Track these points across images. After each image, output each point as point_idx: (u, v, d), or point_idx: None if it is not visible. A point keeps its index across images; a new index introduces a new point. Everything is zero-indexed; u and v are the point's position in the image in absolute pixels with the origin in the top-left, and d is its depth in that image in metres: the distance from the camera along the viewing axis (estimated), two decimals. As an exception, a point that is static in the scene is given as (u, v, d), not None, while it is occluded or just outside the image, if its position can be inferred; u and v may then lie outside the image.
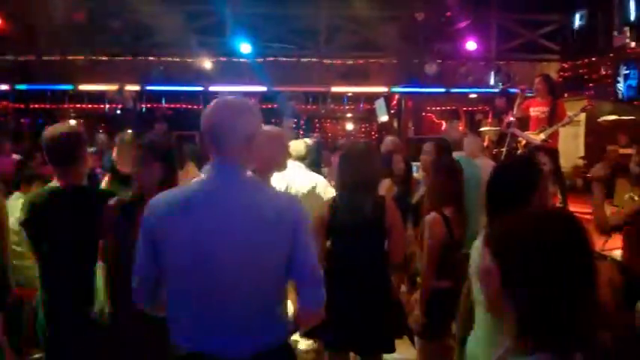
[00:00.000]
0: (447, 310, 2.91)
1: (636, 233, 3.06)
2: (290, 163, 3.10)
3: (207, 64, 9.89)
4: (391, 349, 2.79)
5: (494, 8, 10.25)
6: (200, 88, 10.33)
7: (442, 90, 10.53)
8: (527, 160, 3.03)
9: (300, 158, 3.52)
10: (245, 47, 9.69)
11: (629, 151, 6.09)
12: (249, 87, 10.15)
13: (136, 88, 10.21)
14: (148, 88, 10.39)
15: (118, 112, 10.69)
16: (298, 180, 3.32)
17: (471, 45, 9.96)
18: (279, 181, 2.98)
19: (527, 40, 10.46)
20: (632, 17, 8.43)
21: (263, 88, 10.09)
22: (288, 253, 1.61)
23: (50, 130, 2.40)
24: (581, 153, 8.01)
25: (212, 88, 10.20)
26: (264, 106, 10.86)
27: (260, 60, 9.93)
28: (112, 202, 2.28)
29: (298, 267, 1.63)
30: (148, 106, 11.11)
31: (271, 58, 10.13)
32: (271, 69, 9.94)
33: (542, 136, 5.82)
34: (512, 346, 1.08)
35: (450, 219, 2.88)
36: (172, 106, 11.38)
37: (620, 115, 6.47)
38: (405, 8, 9.92)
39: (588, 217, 5.08)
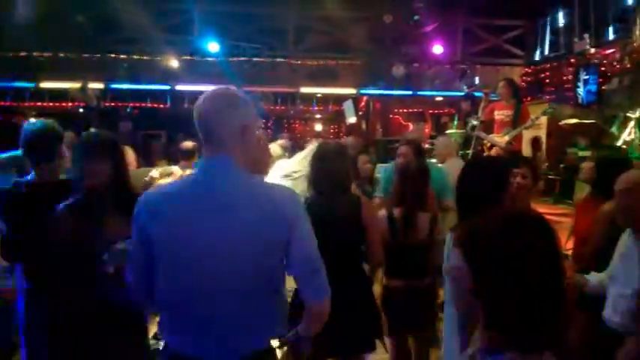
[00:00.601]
0: (404, 307, 2.97)
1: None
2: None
3: (174, 62, 9.74)
4: (372, 348, 2.80)
5: (461, 13, 10.44)
6: (167, 87, 10.17)
7: (409, 92, 10.66)
8: (495, 159, 3.12)
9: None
10: (213, 46, 9.59)
11: (588, 153, 6.30)
12: (217, 86, 10.05)
13: (100, 86, 9.95)
14: (113, 86, 10.15)
15: (81, 110, 10.41)
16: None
17: (437, 49, 10.12)
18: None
19: (492, 45, 10.70)
20: (592, 25, 8.74)
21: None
22: (285, 246, 1.56)
23: (30, 126, 2.46)
24: (543, 155, 8.24)
25: (179, 87, 10.06)
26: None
27: (228, 59, 9.84)
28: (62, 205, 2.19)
29: (298, 260, 1.59)
30: (113, 104, 10.85)
31: (239, 58, 10.05)
32: (239, 69, 9.86)
33: (506, 138, 5.96)
34: (481, 344, 1.09)
35: (396, 219, 2.96)
36: (138, 104, 11.16)
37: (580, 119, 6.69)
38: (374, 10, 10.00)
39: (553, 218, 5.25)
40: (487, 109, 6.27)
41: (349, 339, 2.66)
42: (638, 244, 2.31)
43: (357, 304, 2.69)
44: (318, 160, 2.82)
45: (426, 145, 6.17)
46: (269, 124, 11.54)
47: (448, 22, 10.39)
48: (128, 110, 11.10)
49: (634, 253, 2.32)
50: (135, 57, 9.92)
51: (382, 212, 3.06)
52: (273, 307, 1.62)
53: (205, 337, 1.53)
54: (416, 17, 9.85)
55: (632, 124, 5.66)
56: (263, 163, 2.61)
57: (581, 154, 6.77)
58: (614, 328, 2.32)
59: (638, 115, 5.60)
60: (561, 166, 7.41)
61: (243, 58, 10.06)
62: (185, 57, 9.83)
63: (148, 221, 1.54)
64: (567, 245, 4.18)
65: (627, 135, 5.71)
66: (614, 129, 6.20)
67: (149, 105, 10.91)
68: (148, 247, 1.55)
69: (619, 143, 5.80)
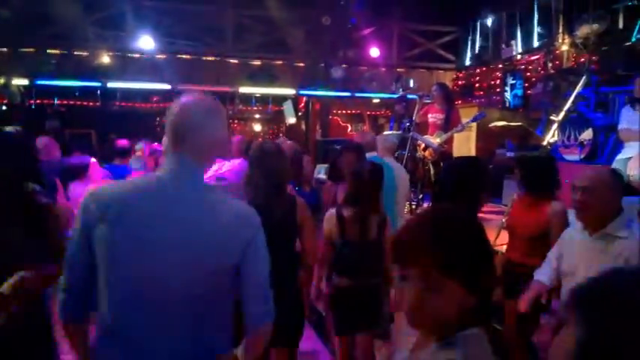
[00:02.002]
0: (353, 307, 3.02)
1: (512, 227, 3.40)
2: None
3: (105, 58, 9.33)
4: (296, 345, 2.87)
5: (396, 18, 10.70)
6: (97, 84, 9.74)
7: (348, 94, 10.81)
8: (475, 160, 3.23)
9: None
10: (147, 42, 9.29)
11: (515, 154, 6.63)
12: (151, 84, 9.75)
13: (25, 82, 9.39)
14: (39, 82, 9.59)
15: (4, 108, 9.79)
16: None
17: (374, 52, 10.32)
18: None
19: (425, 50, 11.02)
20: (519, 32, 9.22)
21: (166, 86, 9.74)
22: (237, 263, 1.53)
23: None
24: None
25: (110, 85, 9.67)
26: (167, 105, 10.50)
27: (163, 57, 9.57)
28: None
29: (248, 283, 1.55)
30: (38, 102, 10.28)
31: (175, 55, 9.81)
32: (175, 66, 9.61)
33: (438, 140, 6.21)
34: (433, 332, 1.12)
35: (345, 219, 2.99)
36: (66, 102, 10.64)
37: (507, 122, 7.05)
38: (313, 12, 10.06)
39: (484, 216, 5.49)
40: (422, 111, 6.50)
41: (279, 335, 2.70)
42: (598, 241, 2.41)
43: (288, 304, 2.72)
44: (255, 161, 2.81)
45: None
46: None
47: (384, 27, 10.63)
48: (55, 107, 10.55)
49: (594, 249, 2.41)
50: (62, 52, 9.42)
51: (331, 211, 3.07)
52: (220, 323, 1.57)
53: (146, 353, 1.46)
54: (353, 20, 10.01)
55: (554, 126, 6.02)
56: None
57: (508, 154, 7.14)
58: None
59: (561, 118, 5.95)
60: (490, 166, 7.77)
61: (178, 56, 9.81)
62: (117, 53, 9.46)
63: (97, 220, 1.44)
64: (496, 242, 4.42)
65: (551, 137, 6.07)
66: (538, 131, 6.57)
67: (78, 103, 10.43)
68: (91, 248, 1.45)
69: (543, 144, 6.15)
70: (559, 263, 2.64)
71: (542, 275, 2.71)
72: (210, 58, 10.09)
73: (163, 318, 1.46)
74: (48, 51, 9.29)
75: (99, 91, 10.09)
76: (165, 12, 9.49)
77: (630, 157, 4.51)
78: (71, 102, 10.48)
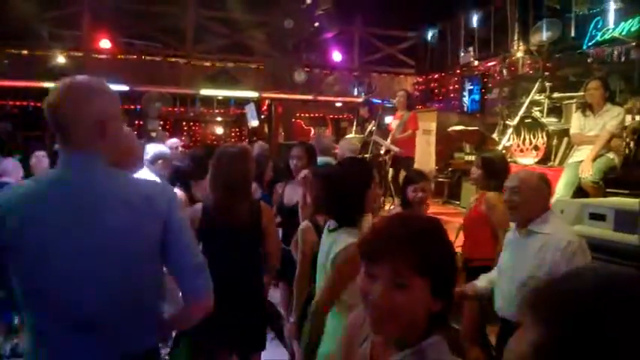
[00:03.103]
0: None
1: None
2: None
3: (60, 58, 9.05)
4: (263, 347, 2.84)
5: (358, 23, 10.82)
6: (52, 85, 9.42)
7: (310, 97, 10.84)
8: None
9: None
10: (104, 42, 9.06)
11: (473, 158, 6.82)
12: (109, 85, 9.52)
13: (-26, 82, 9.00)
14: (-11, 82, 9.21)
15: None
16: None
17: (336, 56, 10.41)
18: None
19: (387, 55, 11.19)
20: (476, 39, 9.48)
21: (124, 88, 9.52)
22: (160, 241, 1.46)
23: None
24: (434, 159, 8.79)
25: (67, 86, 9.38)
26: (126, 107, 10.25)
27: (121, 57, 9.36)
28: None
29: (175, 256, 1.49)
30: (-11, 102, 9.88)
31: (134, 56, 9.60)
32: (134, 67, 9.42)
33: (387, 142, 6.46)
34: (396, 338, 1.12)
35: (322, 227, 2.97)
36: (19, 103, 10.25)
37: (465, 126, 7.22)
38: (275, 15, 10.05)
39: (444, 217, 5.60)
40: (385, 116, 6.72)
41: (244, 339, 2.72)
42: (523, 237, 2.52)
43: (253, 308, 2.72)
44: (217, 164, 2.79)
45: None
46: (167, 126, 11.14)
47: (346, 31, 10.73)
48: (7, 109, 10.15)
49: (520, 245, 2.53)
50: (15, 51, 9.08)
51: (306, 224, 2.97)
52: (145, 317, 1.50)
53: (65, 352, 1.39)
54: (315, 24, 10.06)
55: (510, 131, 6.21)
56: (132, 158, 2.39)
57: (467, 158, 7.32)
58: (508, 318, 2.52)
59: (516, 123, 6.15)
60: (449, 169, 7.96)
61: (137, 57, 9.61)
62: (73, 53, 9.19)
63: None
64: (456, 243, 4.52)
65: (506, 141, 6.26)
66: (495, 135, 6.77)
67: (32, 104, 10.06)
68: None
69: (499, 148, 6.34)
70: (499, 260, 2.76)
71: (482, 279, 2.79)
72: (170, 60, 9.93)
73: (80, 315, 1.39)
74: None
75: (54, 92, 9.77)
76: (123, 12, 9.28)
77: (582, 161, 4.70)
78: (25, 103, 10.10)
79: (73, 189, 1.39)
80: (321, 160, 4.10)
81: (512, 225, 2.68)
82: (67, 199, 1.38)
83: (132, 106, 10.16)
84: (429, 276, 1.06)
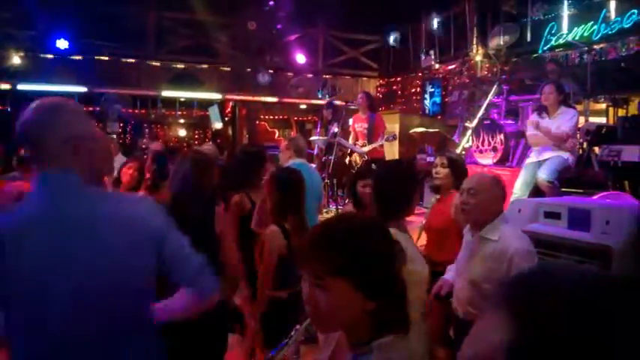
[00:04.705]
0: (288, 319, 2.99)
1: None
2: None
3: (14, 59, 8.73)
4: (218, 357, 2.79)
5: (321, 25, 10.86)
6: (7, 87, 9.09)
7: (275, 99, 10.82)
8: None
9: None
10: (61, 43, 8.80)
11: (434, 159, 6.95)
12: (66, 87, 9.24)
13: None
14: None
15: None
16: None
17: (300, 58, 10.41)
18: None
19: (350, 57, 11.27)
20: (437, 42, 9.66)
21: (82, 89, 9.28)
22: (159, 256, 1.46)
23: None
24: (397, 161, 8.90)
25: (21, 87, 9.05)
26: (84, 109, 9.97)
27: (79, 58, 9.11)
28: None
29: (179, 266, 1.49)
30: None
31: (93, 57, 9.36)
32: (93, 68, 9.18)
33: (365, 149, 6.49)
34: (353, 339, 1.15)
35: (289, 231, 2.94)
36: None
37: (427, 128, 7.36)
38: (238, 17, 9.99)
39: (407, 218, 5.67)
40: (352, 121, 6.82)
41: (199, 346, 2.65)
42: (473, 241, 2.56)
43: (209, 315, 2.67)
44: (177, 169, 2.76)
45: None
46: (128, 128, 10.90)
47: (309, 34, 10.76)
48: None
49: (472, 249, 2.57)
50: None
51: (273, 227, 2.93)
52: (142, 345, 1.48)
53: None
54: (278, 26, 10.05)
55: (469, 132, 6.36)
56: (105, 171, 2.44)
57: (429, 159, 7.45)
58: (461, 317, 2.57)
59: (474, 125, 6.30)
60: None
61: (96, 57, 9.38)
62: (28, 53, 8.89)
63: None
64: (419, 242, 4.59)
65: (466, 142, 6.41)
66: (454, 137, 6.92)
67: (-16, 106, 9.68)
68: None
69: (459, 150, 6.49)
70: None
71: (449, 272, 2.83)
72: (130, 60, 9.73)
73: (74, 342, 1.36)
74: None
75: (9, 95, 9.40)
76: (81, 11, 9.03)
77: (538, 161, 4.86)
78: (-25, 105, 9.72)
79: (57, 213, 1.37)
80: (296, 162, 4.08)
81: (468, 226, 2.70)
82: (51, 223, 1.35)
83: (90, 108, 9.91)
84: (347, 277, 1.08)
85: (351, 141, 6.86)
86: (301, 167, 3.73)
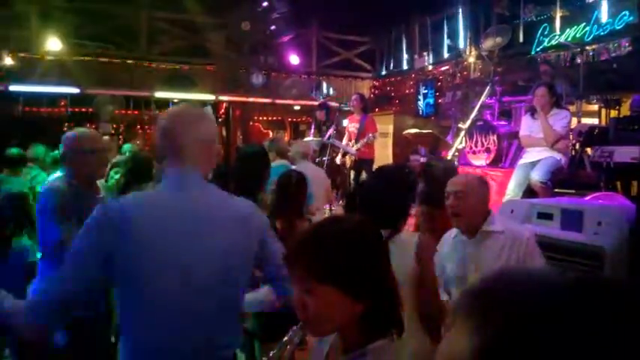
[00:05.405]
0: (283, 314, 2.98)
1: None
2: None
3: (6, 59, 8.67)
4: None
5: (315, 27, 10.87)
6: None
7: (269, 100, 10.80)
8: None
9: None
10: (54, 43, 8.74)
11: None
12: (59, 88, 9.20)
13: None
14: None
15: None
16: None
17: (294, 59, 10.41)
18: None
19: (344, 59, 11.28)
20: (430, 44, 9.70)
21: (75, 90, 9.22)
22: (255, 256, 1.66)
23: None
24: (391, 162, 8.92)
25: (13, 88, 8.99)
26: (76, 110, 9.93)
27: (72, 59, 9.05)
28: None
29: (271, 268, 1.70)
30: None
31: (86, 58, 9.30)
32: (86, 69, 9.13)
33: (353, 149, 6.55)
34: (345, 344, 1.15)
35: (278, 230, 2.95)
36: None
37: (420, 129, 7.37)
38: (232, 17, 9.97)
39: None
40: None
41: None
42: (477, 240, 2.51)
43: None
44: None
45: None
46: (120, 129, 10.85)
47: (303, 35, 10.76)
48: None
49: (474, 250, 2.51)
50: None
51: None
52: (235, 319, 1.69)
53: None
54: (272, 27, 10.04)
55: (462, 133, 6.38)
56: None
57: (422, 160, 7.46)
58: None
59: (467, 126, 6.32)
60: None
61: (89, 58, 9.32)
62: (21, 54, 8.83)
63: (114, 236, 1.45)
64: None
65: (459, 143, 6.42)
66: (448, 138, 6.94)
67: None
68: (107, 263, 1.46)
69: (452, 151, 6.50)
70: (442, 273, 2.61)
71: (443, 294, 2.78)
72: (123, 61, 9.68)
73: (192, 314, 1.52)
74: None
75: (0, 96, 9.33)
76: (74, 12, 8.99)
77: (531, 162, 4.88)
78: (-33, 106, 9.62)
79: (188, 203, 1.56)
80: (278, 163, 4.09)
81: (451, 233, 2.64)
82: (183, 213, 1.54)
83: (83, 109, 9.85)
84: (332, 282, 1.08)
85: (344, 141, 6.91)
86: (285, 169, 3.73)
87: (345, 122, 7.04)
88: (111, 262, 1.46)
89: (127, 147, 7.31)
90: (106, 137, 8.18)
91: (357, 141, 6.71)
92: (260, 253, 1.67)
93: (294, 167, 4.47)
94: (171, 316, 1.51)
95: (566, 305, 0.49)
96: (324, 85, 10.55)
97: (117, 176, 4.25)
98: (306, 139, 7.92)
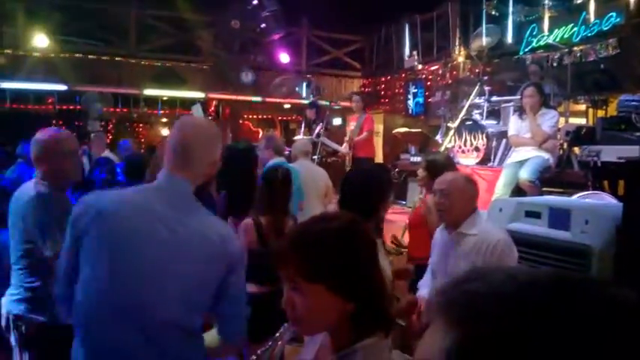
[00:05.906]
0: (267, 314, 2.98)
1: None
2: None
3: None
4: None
5: (305, 25, 10.85)
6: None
7: (259, 99, 10.77)
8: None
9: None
10: (41, 40, 8.65)
11: (418, 159, 6.99)
12: (47, 85, 9.10)
13: None
14: None
15: None
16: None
17: (284, 57, 10.38)
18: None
19: (333, 57, 11.28)
20: (420, 43, 9.72)
21: (63, 87, 9.13)
22: (219, 284, 1.55)
23: None
24: (381, 160, 8.94)
25: (1, 85, 8.88)
26: (64, 107, 9.82)
27: (60, 55, 8.96)
28: None
29: (227, 299, 1.58)
30: None
31: (74, 55, 9.21)
32: (74, 66, 9.03)
33: (341, 148, 6.60)
34: (335, 342, 1.15)
35: (263, 226, 2.97)
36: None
37: (410, 128, 7.39)
38: (221, 15, 9.92)
39: (389, 217, 5.71)
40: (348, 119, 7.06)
41: None
42: (453, 239, 2.58)
43: None
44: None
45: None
46: (109, 127, 10.76)
47: (293, 33, 10.74)
48: None
49: (450, 248, 2.59)
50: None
51: (248, 221, 2.99)
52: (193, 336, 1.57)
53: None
54: (262, 25, 10.01)
55: (451, 132, 6.41)
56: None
57: (412, 159, 7.50)
58: None
59: (456, 125, 6.35)
60: (396, 170, 8.11)
61: (77, 55, 9.23)
62: (7, 51, 8.72)
63: (84, 230, 1.48)
64: (402, 241, 4.63)
65: (448, 142, 6.46)
66: (437, 137, 6.97)
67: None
68: (82, 252, 1.49)
69: (441, 150, 6.53)
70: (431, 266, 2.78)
71: (424, 287, 2.83)
72: (111, 58, 9.60)
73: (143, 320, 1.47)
74: None
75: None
76: (61, 8, 8.89)
77: (519, 161, 4.92)
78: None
79: (164, 208, 1.52)
80: (275, 161, 4.07)
81: (441, 226, 2.73)
82: (155, 215, 1.50)
83: (71, 107, 9.75)
84: (322, 281, 1.08)
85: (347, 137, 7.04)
86: (281, 164, 3.74)
87: (336, 121, 7.07)
88: (80, 245, 1.49)
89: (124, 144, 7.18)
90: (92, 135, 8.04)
91: (352, 139, 6.82)
92: (225, 283, 1.58)
93: (293, 165, 4.48)
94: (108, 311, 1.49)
95: (539, 302, 0.48)
96: (313, 83, 10.53)
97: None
98: (296, 137, 7.92)
